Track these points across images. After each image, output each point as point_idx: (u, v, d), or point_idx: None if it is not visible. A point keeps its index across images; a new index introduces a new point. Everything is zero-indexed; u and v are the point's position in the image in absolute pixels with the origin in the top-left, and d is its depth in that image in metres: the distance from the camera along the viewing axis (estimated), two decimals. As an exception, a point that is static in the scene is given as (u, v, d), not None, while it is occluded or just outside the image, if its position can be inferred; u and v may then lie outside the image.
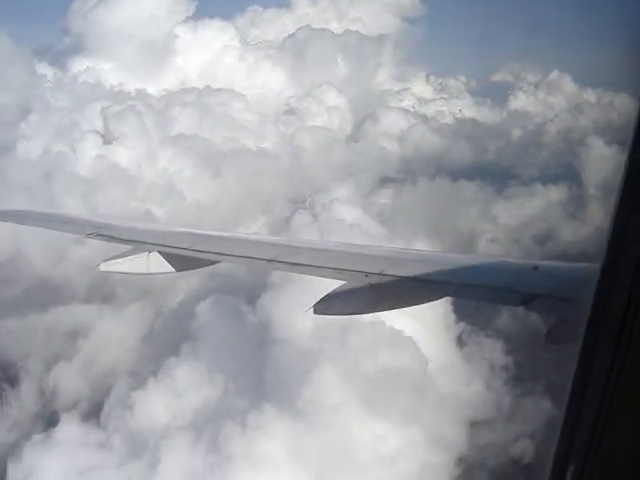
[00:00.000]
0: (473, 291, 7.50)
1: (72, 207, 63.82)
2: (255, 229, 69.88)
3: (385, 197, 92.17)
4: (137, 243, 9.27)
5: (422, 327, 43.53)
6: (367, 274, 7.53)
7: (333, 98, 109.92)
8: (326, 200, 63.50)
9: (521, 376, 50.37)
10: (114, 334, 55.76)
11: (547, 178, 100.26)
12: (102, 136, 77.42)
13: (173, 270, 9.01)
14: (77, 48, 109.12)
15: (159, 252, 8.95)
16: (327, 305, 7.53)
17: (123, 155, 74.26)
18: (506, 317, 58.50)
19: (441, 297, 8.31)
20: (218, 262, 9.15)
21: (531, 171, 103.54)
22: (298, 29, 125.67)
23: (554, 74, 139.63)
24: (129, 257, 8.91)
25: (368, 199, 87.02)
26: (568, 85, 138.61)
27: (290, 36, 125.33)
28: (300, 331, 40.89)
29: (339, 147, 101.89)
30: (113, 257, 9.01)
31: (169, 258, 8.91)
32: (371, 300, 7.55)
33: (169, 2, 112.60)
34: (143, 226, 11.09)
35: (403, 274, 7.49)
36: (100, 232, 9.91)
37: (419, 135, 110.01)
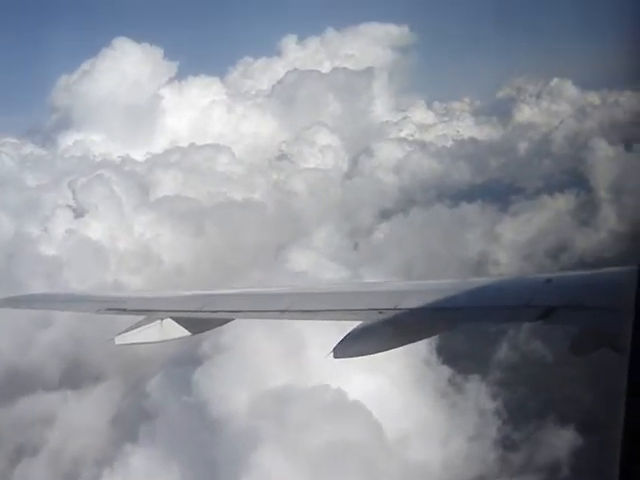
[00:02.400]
0: (489, 313, 7.27)
1: (41, 288, 58.92)
2: (239, 284, 64.34)
3: (382, 231, 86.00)
4: (149, 312, 8.71)
5: (388, 383, 36.92)
6: (381, 311, 7.32)
7: (325, 138, 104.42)
8: (299, 246, 57.37)
9: (520, 418, 43.15)
10: (80, 421, 50.12)
11: (553, 188, 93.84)
12: (74, 210, 72.78)
13: (189, 334, 8.48)
14: (66, 123, 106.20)
15: (172, 318, 8.46)
16: (345, 347, 7.19)
17: (96, 227, 69.41)
18: (500, 353, 51.86)
19: (457, 324, 7.57)
20: (232, 319, 8.70)
21: (536, 183, 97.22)
22: (286, 74, 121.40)
23: (554, 82, 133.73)
24: (142, 327, 8.38)
25: (362, 236, 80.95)
26: (570, 90, 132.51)
27: (279, 82, 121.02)
28: (241, 407, 34.66)
29: (334, 187, 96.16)
30: (126, 330, 8.37)
31: (183, 322, 8.45)
32: (389, 336, 7.20)
33: (150, 66, 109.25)
34: (152, 294, 10.56)
35: (417, 306, 7.26)
36: (110, 307, 9.39)
37: (416, 163, 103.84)
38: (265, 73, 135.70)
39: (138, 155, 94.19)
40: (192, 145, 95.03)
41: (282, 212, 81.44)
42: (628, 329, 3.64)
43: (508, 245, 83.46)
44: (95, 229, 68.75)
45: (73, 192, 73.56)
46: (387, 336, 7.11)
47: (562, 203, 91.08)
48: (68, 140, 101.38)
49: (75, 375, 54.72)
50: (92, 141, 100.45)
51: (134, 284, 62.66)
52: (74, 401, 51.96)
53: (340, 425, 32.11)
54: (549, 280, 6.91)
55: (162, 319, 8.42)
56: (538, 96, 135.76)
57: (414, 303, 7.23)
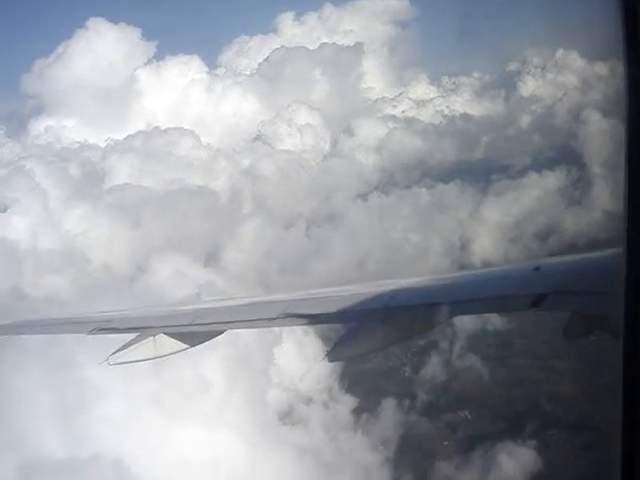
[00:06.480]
0: (481, 305, 6.97)
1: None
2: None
3: (359, 214, 75.61)
4: (141, 329, 7.98)
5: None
6: (373, 310, 7.05)
7: (305, 117, 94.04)
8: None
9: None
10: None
11: (542, 165, 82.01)
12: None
13: (185, 346, 7.74)
14: (39, 109, 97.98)
15: (164, 333, 7.78)
16: (339, 350, 6.93)
17: (18, 223, 60.87)
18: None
19: (449, 318, 7.46)
20: (225, 330, 8.06)
21: (524, 160, 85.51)
22: (272, 52, 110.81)
23: (559, 53, 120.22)
24: (135, 345, 7.70)
25: (324, 224, 70.91)
26: (576, 62, 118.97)
27: (265, 60, 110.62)
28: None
29: (310, 169, 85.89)
30: (119, 349, 7.63)
31: (176, 337, 7.75)
32: (381, 335, 6.86)
33: (126, 47, 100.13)
34: (141, 312, 9.49)
35: (407, 303, 7.03)
36: (101, 327, 8.40)
37: (400, 142, 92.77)
38: (260, 51, 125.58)
39: (102, 141, 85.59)
40: (156, 129, 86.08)
41: (238, 200, 71.87)
42: (618, 312, 3.18)
43: (493, 227, 72.85)
44: (16, 226, 60.47)
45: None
46: (378, 336, 6.83)
47: (551, 181, 79.75)
48: (40, 126, 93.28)
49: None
50: (64, 127, 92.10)
51: (54, 286, 54.39)
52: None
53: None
54: (537, 267, 6.74)
55: (154, 335, 7.71)
56: (543, 68, 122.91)
57: (405, 301, 7.00)
